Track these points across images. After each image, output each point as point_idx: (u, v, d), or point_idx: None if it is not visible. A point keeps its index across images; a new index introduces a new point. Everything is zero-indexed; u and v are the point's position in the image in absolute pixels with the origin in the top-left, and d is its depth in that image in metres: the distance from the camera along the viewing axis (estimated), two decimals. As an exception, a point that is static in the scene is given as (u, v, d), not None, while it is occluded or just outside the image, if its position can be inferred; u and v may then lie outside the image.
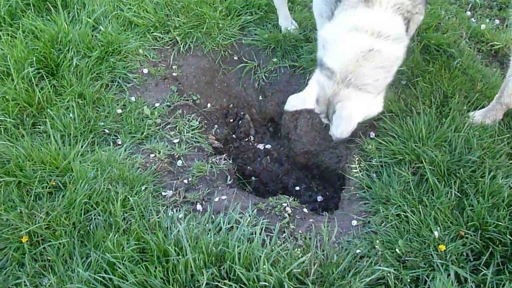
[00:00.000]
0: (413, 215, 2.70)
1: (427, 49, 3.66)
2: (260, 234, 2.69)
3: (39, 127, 3.30)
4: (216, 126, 3.80)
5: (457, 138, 3.02)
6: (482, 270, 2.49)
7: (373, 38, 2.68)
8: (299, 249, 2.64)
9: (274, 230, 2.79)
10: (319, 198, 3.58)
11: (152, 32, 3.98)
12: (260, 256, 2.49)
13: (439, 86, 3.38)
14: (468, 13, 4.15)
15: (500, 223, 2.57)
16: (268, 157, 3.84)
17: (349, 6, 2.76)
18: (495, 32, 3.91)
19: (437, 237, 2.61)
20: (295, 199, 3.10)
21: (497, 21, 4.06)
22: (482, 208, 2.64)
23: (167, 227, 2.75)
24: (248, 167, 3.76)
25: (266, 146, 3.92)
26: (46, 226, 2.74)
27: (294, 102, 2.93)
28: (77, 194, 2.85)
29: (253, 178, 3.72)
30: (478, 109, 3.29)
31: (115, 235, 2.63)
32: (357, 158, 3.09)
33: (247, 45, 3.99)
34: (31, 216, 2.79)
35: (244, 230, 2.70)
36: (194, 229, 2.70)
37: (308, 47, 3.85)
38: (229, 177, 3.27)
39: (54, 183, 2.96)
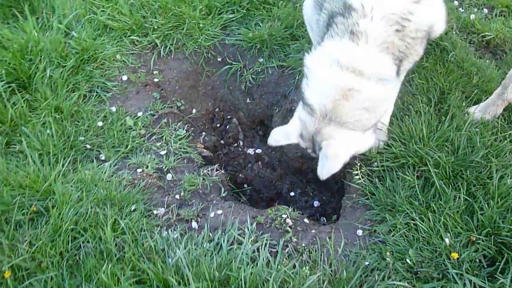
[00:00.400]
0: (422, 223, 2.58)
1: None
2: (263, 252, 2.53)
3: (13, 146, 3.05)
4: (204, 133, 3.61)
5: (459, 137, 2.90)
6: (498, 277, 2.38)
7: (354, 76, 2.47)
8: (306, 267, 2.48)
9: (277, 246, 2.63)
10: (316, 204, 3.44)
11: (129, 36, 3.75)
12: (268, 279, 2.33)
13: (435, 82, 3.26)
14: (456, 2, 4.03)
15: (514, 227, 2.46)
16: (259, 162, 3.67)
17: (336, 34, 2.55)
18: (485, 22, 3.80)
19: (448, 244, 2.50)
20: (294, 209, 2.94)
21: (485, 10, 3.96)
22: (493, 211, 2.54)
23: (164, 250, 2.56)
24: (240, 175, 3.58)
25: (257, 151, 3.75)
26: (31, 258, 2.52)
27: (277, 137, 2.77)
28: (62, 220, 2.63)
29: (245, 185, 3.55)
30: (476, 104, 3.19)
31: (108, 265, 2.42)
32: (358, 164, 2.94)
33: (231, 45, 3.80)
34: (12, 248, 2.56)
35: (246, 249, 2.53)
36: (193, 251, 2.52)
37: (296, 46, 3.69)
38: (222, 189, 3.09)
39: (35, 209, 2.73)
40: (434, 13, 2.73)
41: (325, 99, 2.52)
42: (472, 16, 3.83)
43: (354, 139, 2.60)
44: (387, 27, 2.47)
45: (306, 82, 2.66)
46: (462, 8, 4.00)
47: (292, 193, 3.53)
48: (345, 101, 2.49)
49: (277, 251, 2.62)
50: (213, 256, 2.52)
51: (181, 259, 2.42)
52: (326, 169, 2.55)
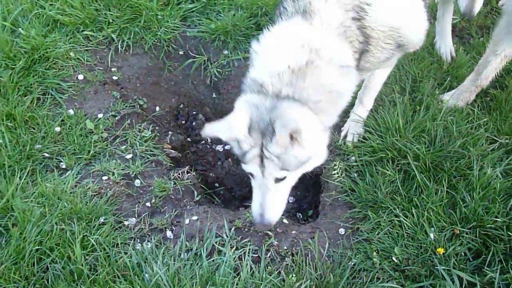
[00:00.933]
0: (406, 219, 2.53)
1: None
2: (246, 262, 2.41)
3: (-37, 160, 2.78)
4: (170, 132, 3.41)
5: (435, 127, 2.86)
6: (485, 270, 2.36)
7: (310, 53, 2.17)
8: (292, 274, 2.38)
9: (259, 251, 2.52)
10: (291, 199, 3.33)
11: (82, 31, 3.49)
12: (255, 292, 2.22)
13: (406, 70, 3.20)
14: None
15: (497, 219, 2.44)
16: (229, 159, 3.52)
17: (285, 19, 2.33)
18: (449, 5, 3.76)
19: (433, 239, 2.46)
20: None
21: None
22: (476, 203, 2.51)
23: (139, 265, 2.39)
24: (211, 174, 3.42)
25: (226, 147, 3.59)
26: (-7, 284, 2.30)
27: (213, 131, 2.17)
28: (24, 240, 2.42)
29: (217, 185, 3.40)
30: (448, 91, 3.15)
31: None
32: (336, 160, 2.85)
33: (193, 37, 3.61)
34: (-29, 275, 2.33)
35: (228, 259, 2.40)
36: (172, 265, 2.36)
37: (262, 36, 3.53)
38: (195, 192, 2.93)
39: (-8, 228, 2.50)
40: (401, 16, 2.53)
41: (279, 70, 2.15)
42: None
43: (315, 125, 2.16)
44: (342, 11, 2.29)
45: (252, 66, 2.29)
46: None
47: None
48: (303, 74, 2.14)
49: (259, 257, 2.51)
50: (193, 269, 2.38)
51: (160, 276, 2.27)
52: (281, 138, 2.02)
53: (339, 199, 2.79)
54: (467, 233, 2.48)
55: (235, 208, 3.24)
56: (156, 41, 3.55)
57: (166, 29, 3.58)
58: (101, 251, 2.41)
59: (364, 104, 2.95)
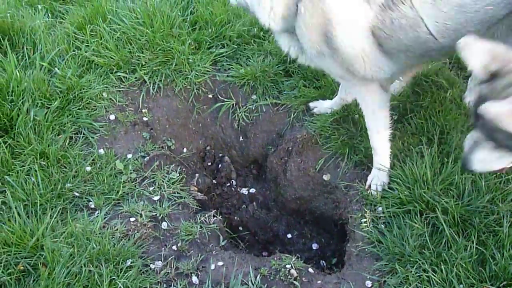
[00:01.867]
0: (434, 274, 2.49)
1: (416, 81, 3.48)
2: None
3: (-4, 197, 2.83)
4: (197, 175, 3.45)
5: (463, 180, 2.84)
6: (516, 331, 2.31)
7: None
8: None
9: (285, 302, 2.51)
10: (315, 246, 3.33)
11: (115, 72, 3.58)
12: None
13: (434, 121, 3.21)
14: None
15: (528, 278, 2.41)
16: (254, 203, 3.55)
17: None
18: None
19: (462, 297, 2.42)
20: (298, 257, 2.82)
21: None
22: (506, 261, 2.47)
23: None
24: (235, 217, 3.44)
25: (250, 190, 3.63)
26: (21, 327, 2.32)
27: None
28: (53, 280, 2.43)
29: (240, 228, 3.41)
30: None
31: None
32: (364, 211, 2.85)
33: (222, 81, 3.68)
34: (-1, 315, 2.35)
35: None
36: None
37: (290, 82, 3.59)
38: (221, 237, 2.95)
39: (22, 267, 2.52)
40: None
41: None
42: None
43: None
44: None
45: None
46: (452, 42, 4.00)
47: (289, 235, 3.42)
48: None
49: (284, 307, 2.50)
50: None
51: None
52: None
53: (366, 250, 2.78)
54: (497, 292, 2.44)
55: (259, 253, 3.25)
56: (186, 84, 3.63)
57: (196, 73, 3.65)
58: (128, 295, 2.41)
59: (375, 149, 2.95)
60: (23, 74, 3.29)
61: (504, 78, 1.86)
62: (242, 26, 3.87)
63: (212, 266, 2.71)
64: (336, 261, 3.21)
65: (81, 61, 3.56)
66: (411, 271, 2.53)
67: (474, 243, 2.58)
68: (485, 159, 2.05)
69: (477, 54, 1.89)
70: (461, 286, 2.46)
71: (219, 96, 3.66)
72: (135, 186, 3.07)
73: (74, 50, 3.58)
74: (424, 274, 2.51)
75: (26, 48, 3.51)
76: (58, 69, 3.43)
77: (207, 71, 3.69)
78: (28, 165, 2.93)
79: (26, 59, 3.45)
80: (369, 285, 2.62)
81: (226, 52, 3.79)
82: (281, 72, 3.66)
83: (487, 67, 1.89)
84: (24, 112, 3.11)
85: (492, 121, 1.84)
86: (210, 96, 3.68)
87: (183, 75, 3.64)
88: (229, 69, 3.71)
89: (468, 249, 2.57)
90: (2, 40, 3.51)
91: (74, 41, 3.64)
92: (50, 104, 3.21)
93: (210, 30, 3.82)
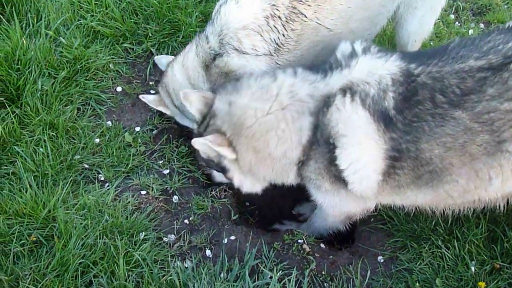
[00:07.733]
0: (447, 250, 2.53)
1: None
2: (290, 285, 2.41)
3: (5, 168, 2.78)
4: (205, 149, 3.41)
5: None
6: (527, 307, 2.37)
7: None
8: (336, 302, 2.39)
9: (300, 276, 2.52)
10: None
11: (122, 43, 3.50)
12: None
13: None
14: (452, 16, 4.02)
15: (540, 255, 2.46)
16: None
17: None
18: (484, 37, 3.80)
19: (473, 272, 2.47)
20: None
21: (482, 25, 3.97)
22: (517, 238, 2.53)
23: (184, 285, 2.38)
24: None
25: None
26: (36, 297, 2.29)
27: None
28: (69, 252, 2.41)
29: (247, 203, 3.41)
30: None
31: (127, 305, 2.24)
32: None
33: (230, 55, 3.61)
34: (13, 285, 2.32)
35: (275, 283, 2.40)
36: (218, 286, 2.36)
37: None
38: (232, 211, 2.94)
39: (34, 238, 2.49)
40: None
41: None
42: (471, 32, 3.83)
43: None
44: None
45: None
46: (459, 22, 4.00)
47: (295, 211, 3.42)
48: None
49: (298, 279, 2.52)
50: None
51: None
52: None
53: (377, 226, 2.81)
54: (507, 268, 2.49)
55: (267, 228, 3.25)
56: (193, 56, 3.56)
57: (204, 46, 3.58)
58: (146, 268, 2.40)
59: None
60: (29, 42, 3.19)
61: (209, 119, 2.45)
62: (250, -1, 3.80)
63: (225, 240, 2.71)
64: (347, 238, 3.23)
65: (87, 31, 3.47)
66: (425, 247, 2.56)
67: (486, 221, 2.62)
68: (217, 175, 2.82)
69: (195, 102, 2.49)
70: (473, 262, 2.51)
71: (227, 70, 3.60)
72: (144, 159, 3.04)
73: (79, 20, 3.48)
74: (438, 250, 2.55)
75: (31, 16, 3.40)
76: (64, 38, 3.34)
77: (215, 44, 3.62)
78: (37, 135, 2.87)
79: (30, 28, 3.34)
80: (381, 260, 2.66)
81: (234, 25, 3.72)
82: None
83: (201, 111, 2.50)
84: (31, 81, 3.03)
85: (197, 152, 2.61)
86: (218, 69, 3.62)
87: (190, 47, 3.57)
88: (237, 42, 3.65)
89: (479, 226, 2.61)
90: (4, 6, 3.39)
91: (78, 9, 3.54)
92: (57, 74, 3.13)
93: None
